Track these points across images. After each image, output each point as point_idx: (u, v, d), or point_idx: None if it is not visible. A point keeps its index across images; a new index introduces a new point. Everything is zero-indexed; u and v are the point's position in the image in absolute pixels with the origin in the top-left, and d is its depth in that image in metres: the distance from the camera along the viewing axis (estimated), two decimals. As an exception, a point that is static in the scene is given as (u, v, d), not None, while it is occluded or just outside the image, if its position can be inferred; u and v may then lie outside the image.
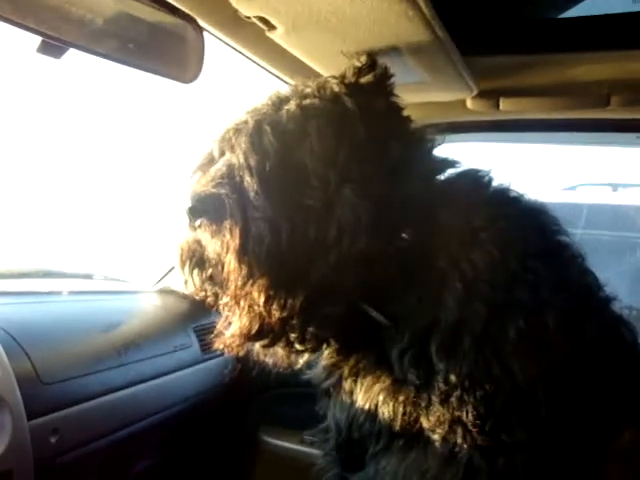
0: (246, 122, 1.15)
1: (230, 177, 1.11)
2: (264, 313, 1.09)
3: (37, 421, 1.41)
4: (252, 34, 1.34)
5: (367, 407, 1.16)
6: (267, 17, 1.23)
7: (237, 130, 1.15)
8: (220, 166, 1.14)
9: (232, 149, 1.14)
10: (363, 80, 1.18)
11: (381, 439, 1.16)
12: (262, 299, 1.08)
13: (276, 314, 1.09)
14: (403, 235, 1.15)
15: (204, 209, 1.11)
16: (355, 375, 1.20)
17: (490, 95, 1.76)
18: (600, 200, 4.08)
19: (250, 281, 1.08)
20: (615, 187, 4.26)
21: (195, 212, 1.11)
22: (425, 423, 1.09)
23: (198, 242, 1.14)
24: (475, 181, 1.24)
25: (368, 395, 1.16)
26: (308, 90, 1.18)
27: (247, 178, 1.09)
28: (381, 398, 1.14)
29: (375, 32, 1.26)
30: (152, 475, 2.04)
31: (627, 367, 1.14)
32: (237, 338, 1.15)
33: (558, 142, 2.43)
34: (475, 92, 1.69)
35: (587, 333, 1.09)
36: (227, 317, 1.17)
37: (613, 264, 3.28)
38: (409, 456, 1.12)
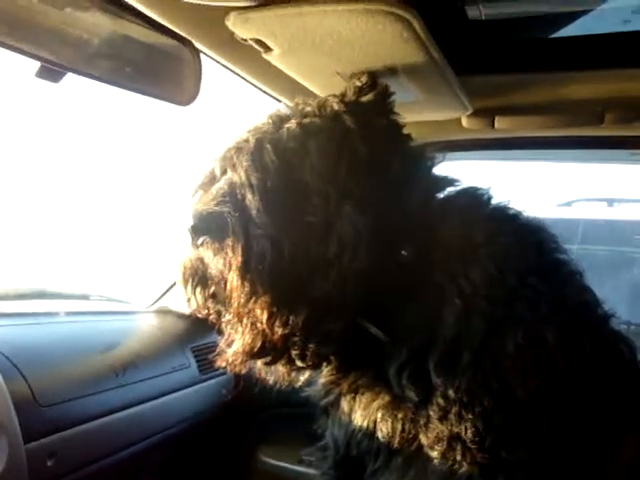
0: (247, 140, 1.16)
1: (232, 195, 1.11)
2: (267, 330, 1.09)
3: (34, 444, 1.40)
4: (249, 56, 1.35)
5: (365, 424, 1.16)
6: (263, 39, 1.24)
7: (238, 149, 1.16)
8: (222, 184, 1.14)
9: (233, 167, 1.14)
10: (363, 99, 1.20)
11: (380, 457, 1.16)
12: (265, 316, 1.08)
13: (279, 331, 1.09)
14: (402, 252, 1.15)
15: (206, 227, 1.11)
16: (354, 392, 1.20)
17: (485, 114, 1.77)
18: (596, 215, 4.09)
19: (253, 298, 1.08)
20: (611, 202, 4.28)
21: (197, 230, 1.12)
22: (424, 440, 1.09)
23: (201, 260, 1.14)
24: (474, 199, 1.24)
25: (367, 412, 1.16)
26: (308, 109, 1.19)
27: (249, 196, 1.10)
28: (379, 415, 1.14)
29: (370, 53, 1.27)
30: (150, 497, 2.02)
31: (626, 382, 1.14)
32: (240, 355, 1.15)
33: (553, 159, 2.44)
34: (470, 111, 1.71)
35: (586, 348, 1.09)
36: (229, 335, 1.17)
37: (610, 279, 3.28)
38: (408, 474, 1.12)
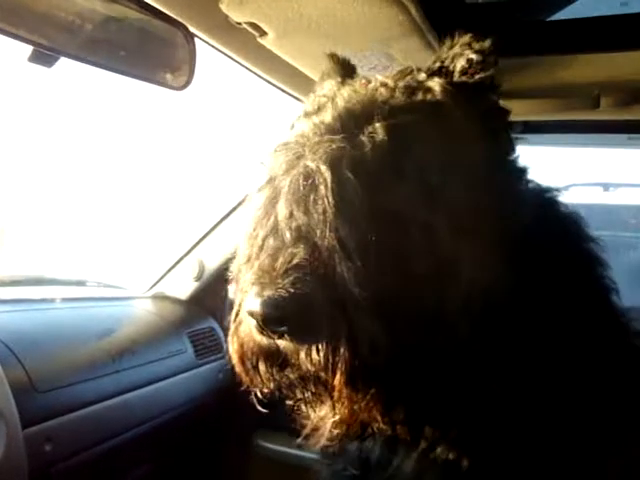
0: (318, 170, 0.82)
1: (315, 262, 0.79)
2: (383, 426, 0.90)
3: (31, 430, 1.41)
4: (243, 40, 1.34)
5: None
6: (258, 23, 1.24)
7: (312, 185, 0.82)
8: (296, 244, 0.80)
9: (308, 214, 0.81)
10: (473, 81, 0.99)
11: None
12: (379, 416, 0.87)
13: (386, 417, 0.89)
14: None
15: (283, 317, 0.79)
16: None
17: (481, 98, 1.76)
18: (592, 200, 4.10)
19: (366, 398, 0.84)
20: (607, 187, 4.28)
21: (272, 321, 0.80)
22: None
23: (276, 347, 0.84)
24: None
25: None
26: (397, 100, 0.89)
27: (341, 261, 0.78)
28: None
29: (366, 36, 1.26)
30: (148, 482, 2.03)
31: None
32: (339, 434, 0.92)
33: (549, 143, 2.44)
34: (466, 95, 1.70)
35: (597, 339, 1.08)
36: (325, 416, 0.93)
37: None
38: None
